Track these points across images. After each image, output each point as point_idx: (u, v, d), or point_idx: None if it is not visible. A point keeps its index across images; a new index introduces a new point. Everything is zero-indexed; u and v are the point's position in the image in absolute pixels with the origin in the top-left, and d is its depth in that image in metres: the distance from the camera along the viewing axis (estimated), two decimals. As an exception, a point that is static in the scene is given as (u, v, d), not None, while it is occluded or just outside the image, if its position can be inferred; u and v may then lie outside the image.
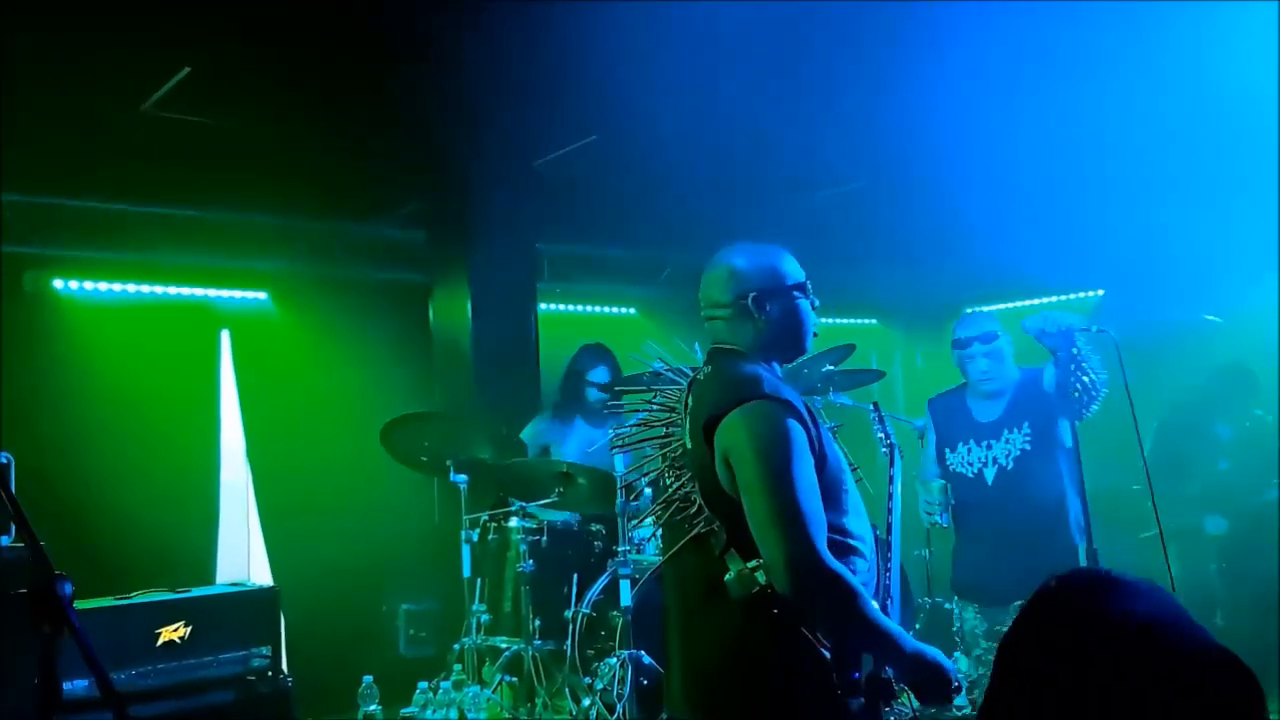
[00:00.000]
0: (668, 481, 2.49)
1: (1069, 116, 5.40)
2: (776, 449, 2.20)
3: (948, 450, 4.27)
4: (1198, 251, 6.72)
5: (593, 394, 5.49)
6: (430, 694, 4.72)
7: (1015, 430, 4.17)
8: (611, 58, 4.55)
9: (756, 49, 4.59)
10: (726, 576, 2.25)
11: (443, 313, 6.61)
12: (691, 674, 2.43)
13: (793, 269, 2.55)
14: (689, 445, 2.39)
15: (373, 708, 4.59)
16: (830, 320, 8.75)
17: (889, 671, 2.23)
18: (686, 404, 2.47)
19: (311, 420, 6.06)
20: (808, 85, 5.14)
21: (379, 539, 6.07)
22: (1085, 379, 3.83)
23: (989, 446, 4.20)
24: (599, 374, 5.52)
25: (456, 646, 5.04)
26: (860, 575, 2.27)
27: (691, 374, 2.58)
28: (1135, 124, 5.37)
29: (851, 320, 8.80)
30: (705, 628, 2.37)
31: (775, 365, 2.49)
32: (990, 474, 4.16)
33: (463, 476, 5.15)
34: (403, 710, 4.61)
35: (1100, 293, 7.68)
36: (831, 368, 5.57)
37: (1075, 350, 3.81)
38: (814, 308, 2.55)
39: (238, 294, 6.37)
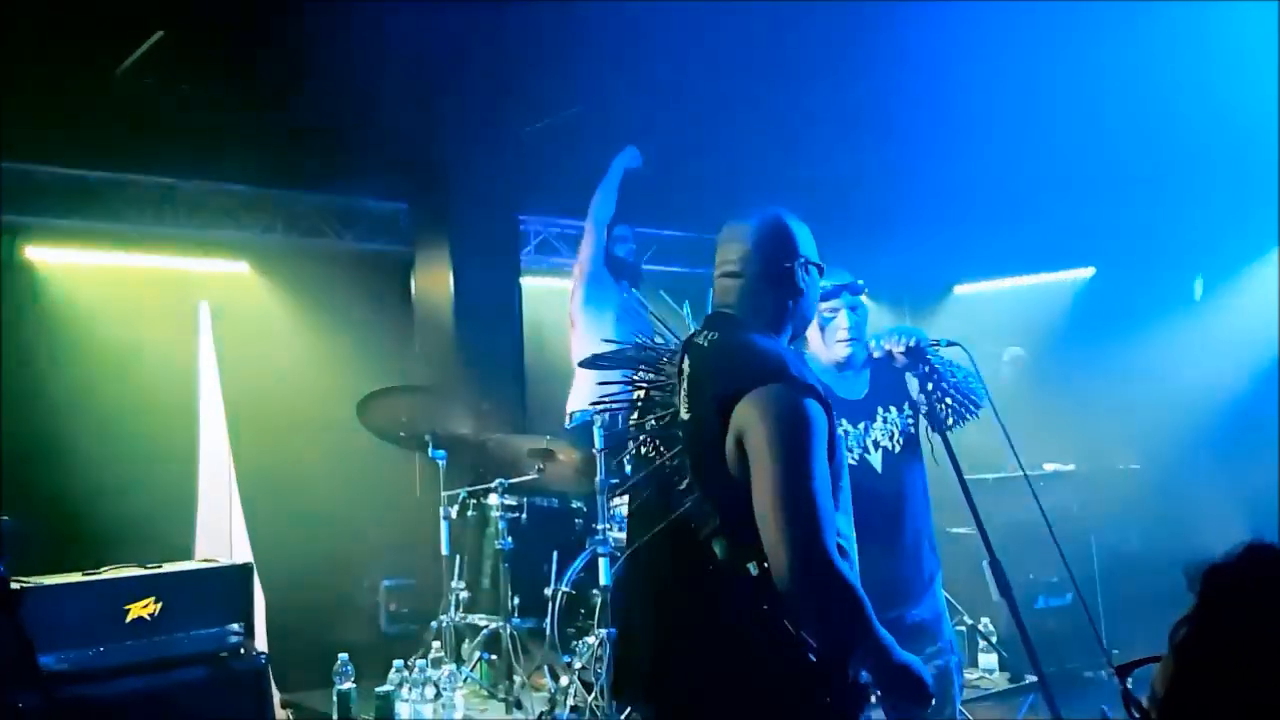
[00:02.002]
0: (645, 451, 2.31)
1: (1056, 93, 5.32)
2: (801, 437, 2.06)
3: None
4: (1187, 230, 6.69)
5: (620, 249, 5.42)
6: (407, 672, 4.67)
7: (892, 409, 3.47)
8: (597, 29, 4.48)
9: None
10: (714, 561, 2.11)
11: (424, 284, 6.54)
12: (665, 661, 2.25)
13: (815, 249, 2.41)
14: (686, 416, 2.22)
15: (347, 686, 4.54)
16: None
17: (865, 676, 2.12)
18: (682, 370, 2.28)
19: (292, 393, 6.00)
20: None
21: (360, 514, 6.02)
22: (948, 400, 3.32)
23: (865, 428, 3.44)
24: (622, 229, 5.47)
25: (434, 624, 5.00)
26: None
27: (682, 338, 2.39)
28: (1124, 102, 5.30)
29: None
30: (683, 613, 2.21)
31: (786, 343, 2.34)
32: (877, 460, 3.42)
33: (442, 452, 5.09)
34: (378, 689, 4.56)
35: (1091, 271, 7.63)
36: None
37: (928, 369, 3.32)
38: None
39: (217, 264, 6.28)
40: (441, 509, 5.06)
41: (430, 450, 5.11)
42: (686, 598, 2.20)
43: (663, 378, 2.34)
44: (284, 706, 4.72)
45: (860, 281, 3.45)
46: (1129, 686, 0.98)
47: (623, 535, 4.47)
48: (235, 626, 4.24)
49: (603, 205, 5.36)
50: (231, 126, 5.44)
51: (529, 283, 6.90)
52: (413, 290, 6.60)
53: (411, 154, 6.18)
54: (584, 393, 4.99)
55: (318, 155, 5.95)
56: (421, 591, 5.87)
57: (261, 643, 4.53)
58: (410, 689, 4.63)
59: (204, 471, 5.30)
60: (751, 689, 2.10)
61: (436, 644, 4.84)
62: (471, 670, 4.92)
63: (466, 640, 5.02)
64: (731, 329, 2.28)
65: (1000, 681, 5.58)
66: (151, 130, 5.32)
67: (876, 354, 3.32)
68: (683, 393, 2.23)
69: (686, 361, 2.27)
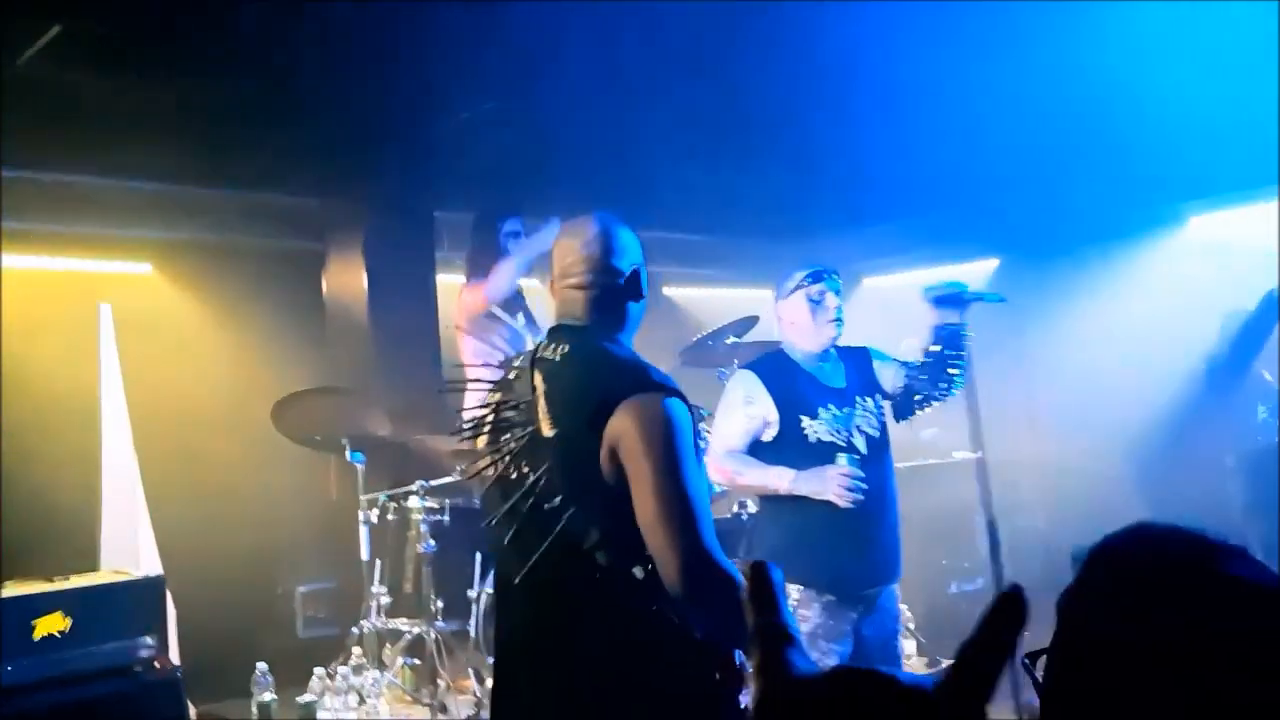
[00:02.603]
0: (508, 473, 2.28)
1: (966, 81, 5.43)
2: (676, 442, 2.10)
3: (804, 418, 3.58)
4: (1092, 218, 6.91)
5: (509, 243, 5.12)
6: (329, 680, 4.59)
7: (869, 399, 3.70)
8: (510, 21, 4.44)
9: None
10: (599, 570, 2.13)
11: (337, 283, 6.42)
12: (555, 670, 2.23)
13: None
14: (550, 433, 2.20)
15: (267, 697, 4.45)
16: (732, 291, 8.78)
17: (739, 658, 2.19)
18: (534, 386, 2.26)
19: (201, 397, 5.84)
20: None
21: (273, 520, 5.90)
22: (958, 366, 3.69)
23: (849, 415, 3.63)
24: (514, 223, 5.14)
25: (355, 630, 4.92)
26: None
27: (525, 354, 2.38)
28: (1030, 90, 5.43)
29: (752, 290, 8.81)
30: (574, 627, 2.21)
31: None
32: (861, 445, 3.61)
33: (360, 455, 5.01)
34: (298, 698, 4.47)
35: (996, 261, 7.82)
36: (735, 339, 5.58)
37: (956, 327, 3.67)
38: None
39: (119, 265, 6.08)
40: (360, 513, 4.98)
41: (348, 453, 5.02)
42: (576, 612, 2.21)
43: (515, 396, 2.32)
44: (201, 719, 4.61)
45: (836, 268, 3.73)
46: (1035, 674, 1.01)
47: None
48: (147, 639, 4.15)
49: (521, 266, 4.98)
50: (134, 120, 5.25)
51: (445, 279, 6.80)
52: (324, 288, 6.46)
53: (323, 148, 6.04)
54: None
55: (225, 150, 5.79)
56: (340, 597, 5.78)
57: (175, 655, 4.43)
58: (332, 697, 4.55)
59: (108, 480, 5.14)
60: (651, 685, 2.14)
61: (358, 650, 4.77)
62: (395, 676, 4.86)
63: (389, 645, 4.96)
64: (582, 340, 2.28)
65: (918, 666, 5.70)
66: (49, 125, 5.12)
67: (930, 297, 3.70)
68: (541, 410, 2.23)
69: (538, 378, 2.26)
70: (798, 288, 3.67)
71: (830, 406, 3.60)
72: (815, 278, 3.65)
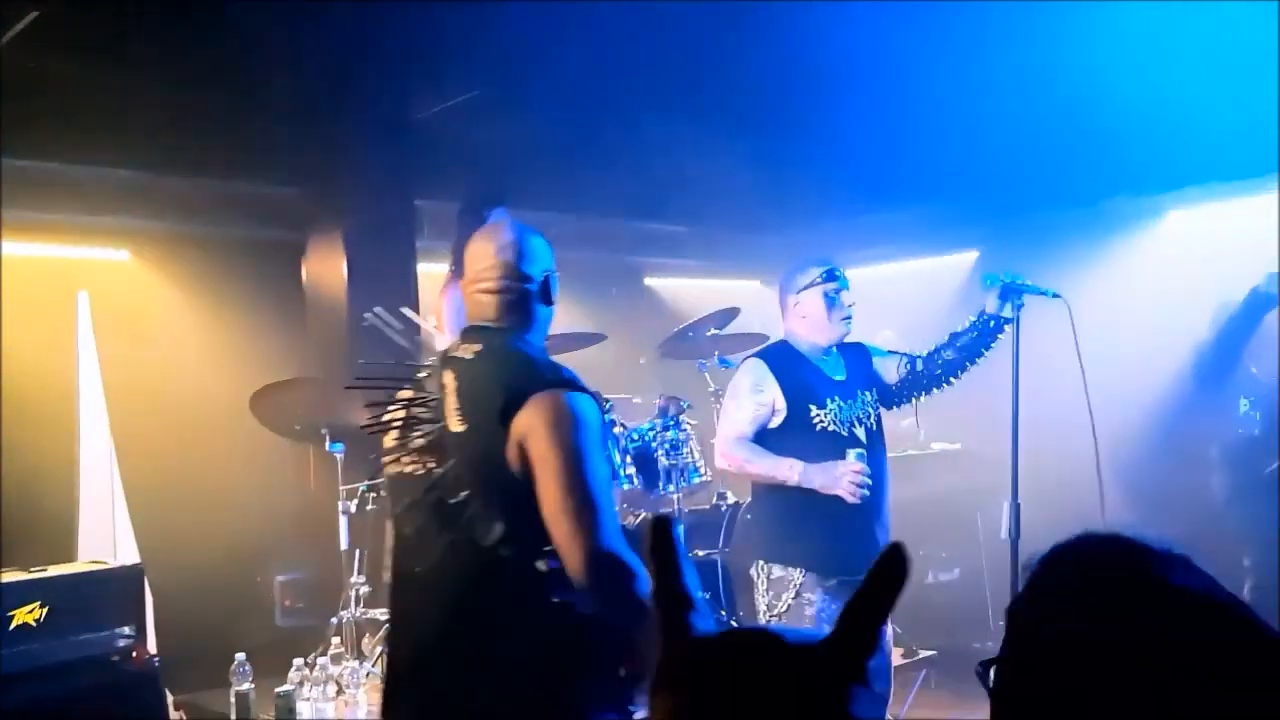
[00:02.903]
0: (411, 470, 2.32)
1: (947, 74, 5.44)
2: (582, 438, 2.17)
3: (813, 406, 3.73)
4: (1071, 211, 6.95)
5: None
6: (307, 670, 4.59)
7: (867, 393, 3.86)
8: (491, 9, 4.42)
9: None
10: (502, 564, 2.18)
11: (317, 272, 6.38)
12: (456, 662, 2.25)
13: None
14: (460, 428, 2.25)
15: (245, 687, 4.44)
16: (713, 282, 8.79)
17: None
18: (444, 385, 2.32)
19: (178, 386, 5.81)
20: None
21: (252, 510, 5.88)
22: (973, 363, 3.88)
23: (850, 407, 3.80)
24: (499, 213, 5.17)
25: (334, 620, 4.92)
26: None
27: (437, 352, 2.47)
28: (1010, 83, 5.45)
29: (734, 281, 8.83)
30: (478, 621, 2.24)
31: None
32: (862, 435, 3.77)
33: (339, 445, 5.00)
34: (277, 689, 4.47)
35: (976, 254, 7.84)
36: (716, 331, 5.59)
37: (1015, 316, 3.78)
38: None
39: (97, 252, 6.04)
40: (340, 503, 4.97)
41: (328, 443, 5.01)
42: (479, 604, 2.24)
43: (424, 394, 2.37)
44: (178, 708, 4.60)
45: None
46: (988, 681, 1.02)
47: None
48: (125, 630, 4.14)
49: None
50: (113, 108, 5.21)
51: (426, 268, 6.78)
52: (304, 278, 6.43)
53: (303, 136, 6.01)
54: None
55: (204, 138, 5.75)
56: (319, 586, 5.77)
57: (152, 645, 4.42)
58: (311, 687, 4.55)
59: (85, 469, 5.12)
60: (554, 677, 2.19)
61: (337, 640, 4.77)
62: (374, 665, 4.86)
63: (368, 635, 4.96)
64: (493, 340, 2.36)
65: (895, 657, 5.73)
66: (27, 111, 5.07)
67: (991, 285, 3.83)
68: (451, 407, 2.28)
69: (449, 376, 2.32)
70: (814, 284, 3.83)
71: (835, 398, 3.77)
72: (831, 275, 3.84)
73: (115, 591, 4.16)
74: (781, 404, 3.73)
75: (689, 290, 8.66)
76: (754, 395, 3.77)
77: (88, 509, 5.00)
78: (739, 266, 8.76)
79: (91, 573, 4.22)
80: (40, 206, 5.74)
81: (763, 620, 3.77)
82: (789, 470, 3.63)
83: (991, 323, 3.84)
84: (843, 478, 3.59)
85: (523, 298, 2.40)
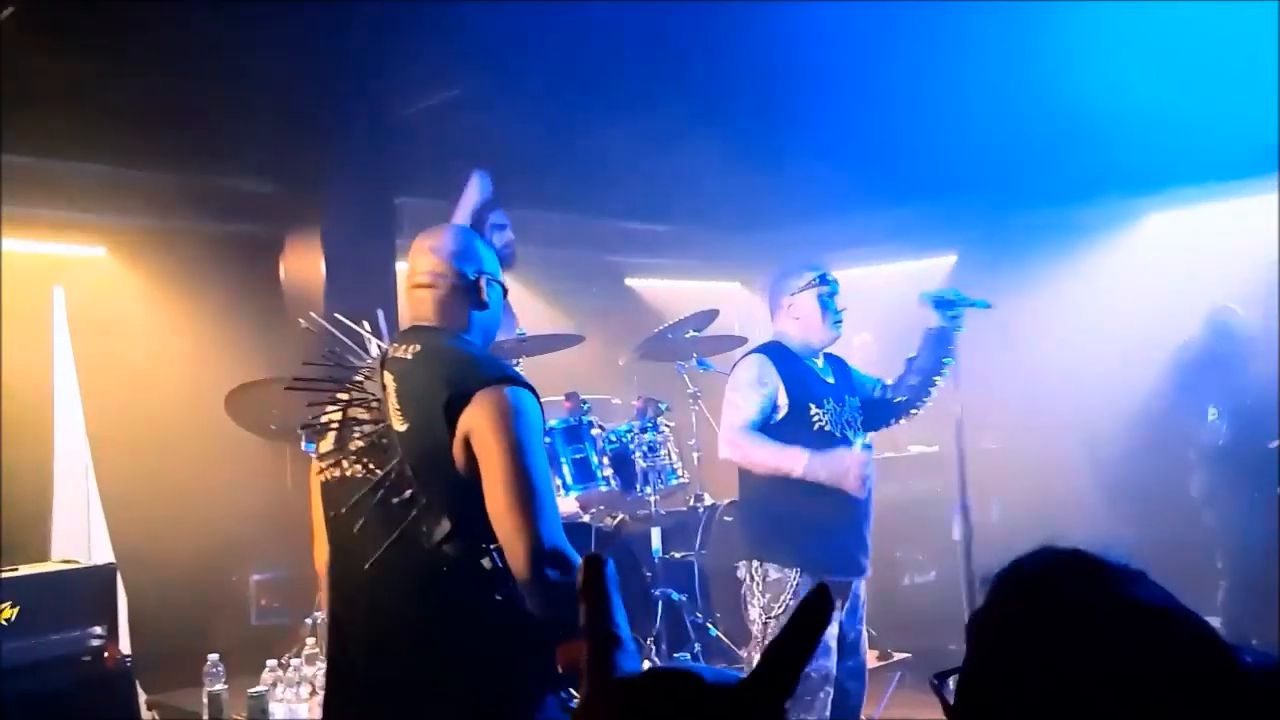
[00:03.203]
0: (351, 472, 2.31)
1: (925, 77, 5.46)
2: (527, 433, 2.18)
3: (812, 405, 3.77)
4: (1051, 214, 6.98)
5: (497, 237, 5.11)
6: (281, 671, 4.57)
7: (852, 397, 3.92)
8: (471, 8, 4.42)
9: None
10: (446, 562, 2.18)
11: (294, 269, 6.35)
12: (400, 661, 2.26)
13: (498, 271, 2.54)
14: (402, 428, 2.25)
15: (218, 688, 4.42)
16: (692, 283, 8.80)
17: None
18: (384, 384, 2.32)
19: (154, 384, 5.78)
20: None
21: (228, 509, 5.85)
22: (940, 376, 3.91)
23: (841, 409, 3.85)
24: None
25: (309, 620, 4.90)
26: None
27: (374, 353, 2.45)
28: (988, 86, 5.47)
29: (715, 283, 8.84)
30: (422, 619, 2.25)
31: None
32: (854, 437, 3.82)
33: (314, 445, 4.96)
34: (250, 690, 4.45)
35: (954, 257, 7.87)
36: (695, 333, 5.59)
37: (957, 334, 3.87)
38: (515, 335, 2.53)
39: (72, 248, 5.99)
40: (316, 502, 4.95)
41: (303, 443, 4.98)
42: (424, 602, 2.25)
43: (363, 394, 2.37)
44: (150, 708, 4.58)
45: None
46: (944, 694, 1.03)
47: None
48: (97, 629, 4.12)
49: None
50: (89, 103, 5.17)
51: (406, 266, 6.75)
52: (281, 275, 6.40)
53: (281, 131, 5.97)
54: None
55: (181, 133, 5.71)
56: (294, 586, 5.75)
57: (125, 644, 4.40)
58: (285, 688, 4.53)
59: (60, 467, 5.08)
60: (498, 674, 2.20)
61: (311, 640, 4.75)
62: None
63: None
64: (432, 339, 2.36)
65: (870, 659, 5.75)
66: (1, 106, 5.03)
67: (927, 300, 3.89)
68: (393, 407, 2.27)
69: (389, 377, 2.32)
70: (809, 286, 3.89)
71: (830, 400, 3.83)
72: (825, 279, 3.91)
73: (87, 591, 4.14)
74: (784, 399, 3.77)
75: (669, 291, 8.67)
76: (759, 388, 3.79)
77: (62, 507, 4.97)
78: (719, 268, 8.77)
79: (63, 572, 4.20)
80: (16, 202, 5.68)
81: (758, 623, 3.79)
82: (795, 460, 3.64)
83: (936, 336, 3.89)
84: (850, 470, 3.62)
85: (457, 296, 2.41)
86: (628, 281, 8.65)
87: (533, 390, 2.26)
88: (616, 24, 4.71)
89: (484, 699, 2.20)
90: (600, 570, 0.82)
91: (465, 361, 2.30)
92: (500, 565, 2.16)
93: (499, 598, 2.17)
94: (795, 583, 3.74)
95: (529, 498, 2.14)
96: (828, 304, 3.89)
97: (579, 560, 2.08)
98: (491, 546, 2.17)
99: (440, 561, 2.19)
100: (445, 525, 2.18)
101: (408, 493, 2.21)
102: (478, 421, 2.17)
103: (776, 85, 5.51)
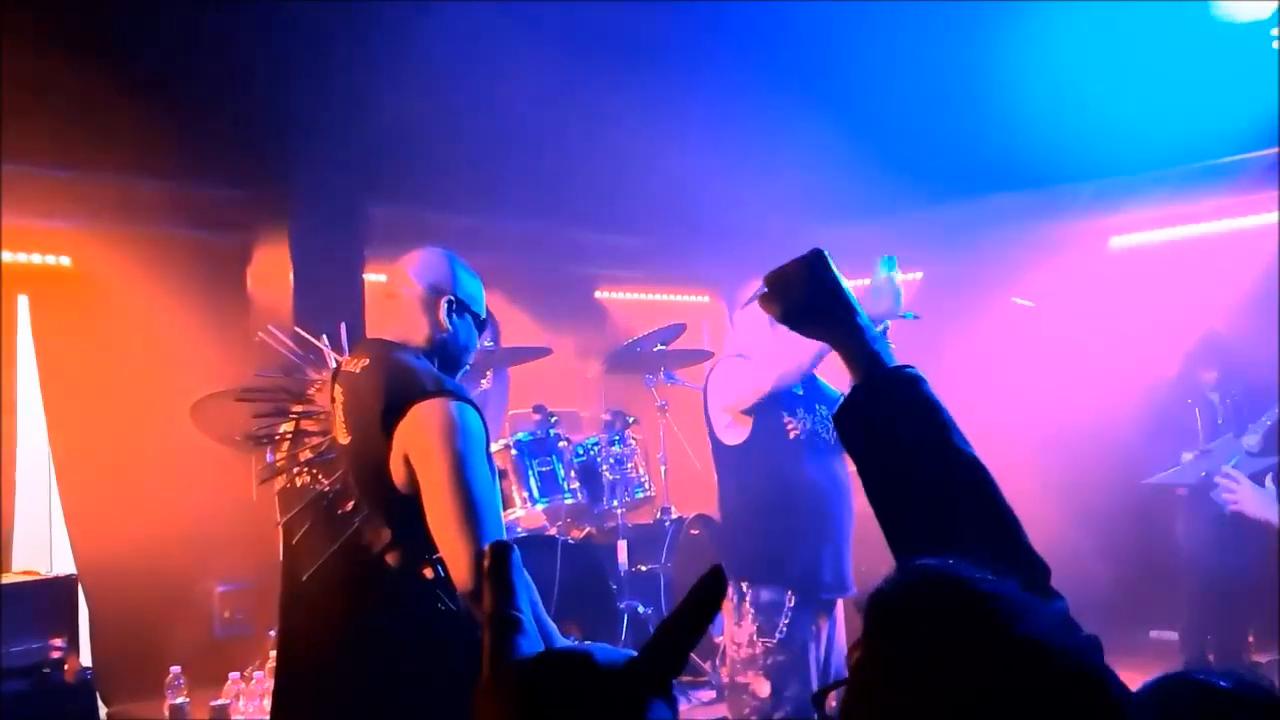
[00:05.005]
0: (300, 483, 2.36)
1: (897, 89, 5.52)
2: (470, 446, 2.20)
3: (785, 414, 3.73)
4: (1014, 232, 7.06)
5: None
6: (243, 683, 4.55)
7: (818, 405, 3.81)
8: (444, 16, 4.44)
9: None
10: (388, 572, 2.21)
11: (261, 279, 6.32)
12: (343, 671, 2.29)
13: (482, 302, 2.55)
14: (346, 440, 2.28)
15: (180, 700, 4.40)
16: (662, 297, 8.82)
17: None
18: (334, 398, 2.35)
19: (119, 394, 5.73)
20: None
21: (192, 520, 5.80)
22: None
23: (811, 419, 3.78)
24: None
25: (272, 632, 4.87)
26: None
27: (326, 366, 2.50)
28: (953, 104, 5.54)
29: (684, 297, 8.87)
30: (364, 627, 2.27)
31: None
32: (827, 446, 3.73)
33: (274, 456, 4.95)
34: (213, 702, 4.43)
35: (919, 275, 7.93)
36: (662, 347, 5.62)
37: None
38: (483, 345, 2.57)
39: (37, 257, 5.94)
40: (280, 514, 4.93)
41: (268, 454, 4.96)
42: (366, 612, 2.28)
43: (314, 408, 2.41)
44: (112, 719, 4.55)
45: None
46: (826, 711, 1.04)
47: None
48: (57, 641, 4.09)
49: None
50: (55, 108, 5.13)
51: (374, 276, 6.74)
52: (249, 284, 6.37)
53: (248, 139, 5.95)
54: None
55: (147, 139, 5.67)
56: (257, 597, 5.72)
57: (86, 655, 4.36)
58: (247, 700, 4.51)
59: (21, 477, 5.04)
60: (441, 684, 2.21)
61: (274, 653, 4.72)
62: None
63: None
64: (382, 352, 2.38)
65: (846, 669, 5.78)
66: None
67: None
68: (339, 419, 2.31)
69: (338, 389, 2.35)
70: (756, 296, 3.75)
71: (800, 409, 3.76)
72: None
73: (47, 602, 4.13)
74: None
75: (637, 304, 8.68)
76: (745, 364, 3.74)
77: (23, 518, 4.93)
78: (688, 281, 8.79)
79: (23, 583, 4.17)
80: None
81: (744, 646, 3.68)
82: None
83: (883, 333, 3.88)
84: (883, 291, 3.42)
85: (415, 311, 2.43)
86: (597, 295, 8.66)
87: (473, 403, 2.26)
88: (589, 32, 4.74)
89: (426, 708, 2.21)
90: (506, 557, 0.85)
91: (404, 375, 2.30)
92: (443, 575, 2.18)
93: (440, 607, 2.20)
94: (791, 605, 3.63)
95: (468, 510, 2.15)
96: None
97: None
98: (434, 557, 2.19)
99: (382, 571, 2.21)
100: (386, 535, 2.20)
101: (350, 504, 2.23)
102: (414, 435, 2.19)
103: (749, 95, 5.55)
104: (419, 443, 2.18)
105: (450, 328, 2.45)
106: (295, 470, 2.37)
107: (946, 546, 1.07)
